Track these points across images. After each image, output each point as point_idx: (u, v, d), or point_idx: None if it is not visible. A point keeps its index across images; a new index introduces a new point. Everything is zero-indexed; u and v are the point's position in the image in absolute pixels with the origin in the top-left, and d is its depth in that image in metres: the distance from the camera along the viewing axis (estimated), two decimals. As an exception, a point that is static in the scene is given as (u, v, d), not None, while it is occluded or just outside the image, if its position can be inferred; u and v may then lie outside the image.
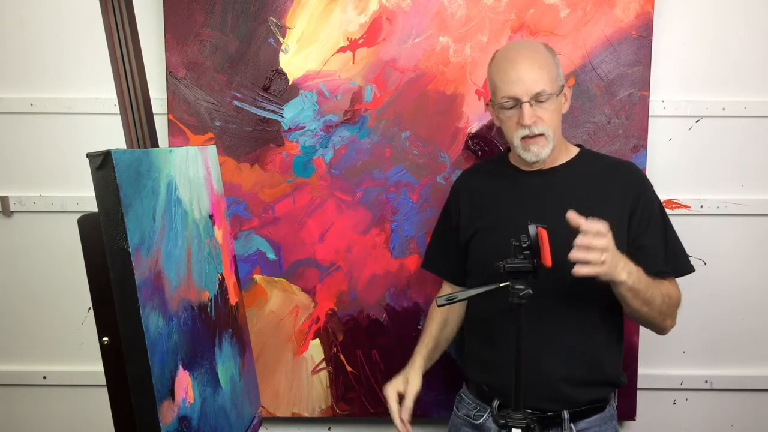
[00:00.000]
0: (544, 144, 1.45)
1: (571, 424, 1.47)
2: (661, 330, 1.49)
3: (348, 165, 1.83)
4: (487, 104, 1.56)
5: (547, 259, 1.24)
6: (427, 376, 1.87)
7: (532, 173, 1.53)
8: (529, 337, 1.41)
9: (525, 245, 1.27)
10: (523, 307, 1.27)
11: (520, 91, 1.42)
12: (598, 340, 1.49)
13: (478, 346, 1.59)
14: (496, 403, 1.53)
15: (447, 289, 1.69)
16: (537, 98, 1.42)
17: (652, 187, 1.54)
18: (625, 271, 1.31)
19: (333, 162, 1.83)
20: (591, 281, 1.32)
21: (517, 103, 1.43)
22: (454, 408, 1.67)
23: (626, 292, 1.34)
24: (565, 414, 1.47)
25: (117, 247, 0.88)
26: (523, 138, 1.45)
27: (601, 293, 1.39)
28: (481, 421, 1.57)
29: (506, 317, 1.45)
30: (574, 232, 1.31)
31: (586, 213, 1.36)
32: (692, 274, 1.53)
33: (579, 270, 1.27)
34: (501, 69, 1.47)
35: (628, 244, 1.45)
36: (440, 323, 1.66)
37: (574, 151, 1.57)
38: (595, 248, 1.26)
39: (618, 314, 1.51)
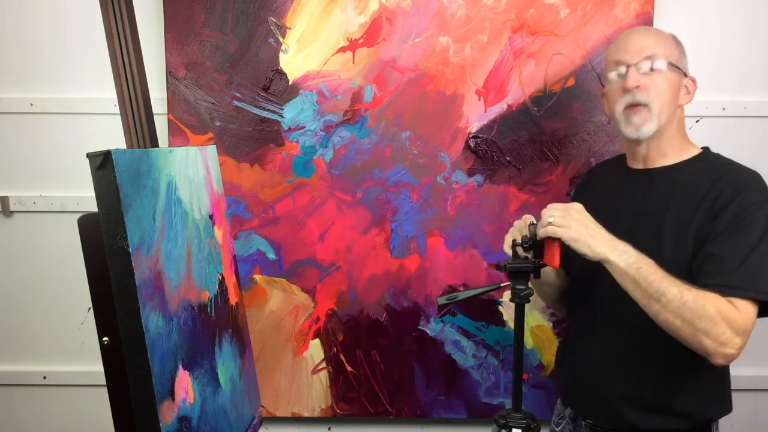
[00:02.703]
0: (646, 116, 1.35)
1: None
2: (702, 351, 1.23)
3: (348, 165, 1.83)
4: (602, 95, 1.52)
5: (553, 261, 1.25)
6: (427, 376, 1.88)
7: (636, 172, 1.44)
8: (596, 348, 1.42)
9: (527, 245, 1.27)
10: (524, 307, 1.27)
11: (628, 55, 1.36)
12: (672, 361, 1.33)
13: (559, 353, 1.57)
14: (569, 412, 1.49)
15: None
16: (644, 65, 1.35)
17: (761, 200, 1.29)
18: (614, 250, 1.22)
19: (333, 162, 1.83)
20: None
21: (623, 68, 1.37)
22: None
23: (622, 277, 1.23)
24: None
25: (117, 247, 0.88)
26: (626, 108, 1.36)
27: None
28: (559, 429, 1.52)
29: (582, 325, 1.46)
30: (657, 239, 1.30)
31: (673, 223, 1.33)
32: None
33: (545, 231, 1.25)
34: (616, 40, 1.44)
35: (695, 248, 1.30)
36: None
37: (693, 152, 1.42)
38: (545, 214, 1.26)
39: None
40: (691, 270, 1.29)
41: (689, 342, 1.23)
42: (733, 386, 1.91)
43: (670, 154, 1.41)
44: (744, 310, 1.22)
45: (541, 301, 1.75)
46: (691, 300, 1.20)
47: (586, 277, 1.35)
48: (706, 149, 1.45)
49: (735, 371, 1.90)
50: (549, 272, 1.47)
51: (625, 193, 1.44)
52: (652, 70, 1.35)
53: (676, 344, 1.26)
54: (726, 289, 1.23)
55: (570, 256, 1.31)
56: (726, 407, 1.39)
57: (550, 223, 1.24)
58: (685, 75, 1.41)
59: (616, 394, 1.37)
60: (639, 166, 1.45)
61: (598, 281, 1.36)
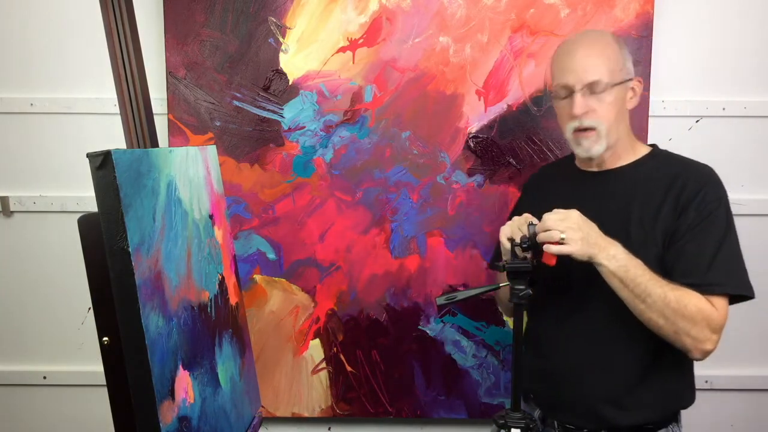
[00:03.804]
0: (595, 139, 1.38)
1: None
2: (682, 347, 1.30)
3: (348, 165, 1.83)
4: (551, 99, 1.55)
5: (551, 260, 1.25)
6: (427, 376, 1.88)
7: (592, 174, 1.47)
8: (573, 349, 1.42)
9: (525, 245, 1.27)
10: (523, 308, 1.27)
11: (572, 79, 1.37)
12: (647, 357, 1.37)
13: (528, 354, 1.54)
14: (537, 413, 1.48)
15: None
16: (591, 89, 1.36)
17: (720, 196, 1.36)
18: (605, 254, 1.27)
19: (333, 162, 1.83)
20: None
21: (570, 92, 1.38)
22: None
23: (610, 278, 1.28)
24: None
25: (117, 247, 0.88)
26: (575, 131, 1.39)
27: None
28: None
29: (555, 327, 1.45)
30: (625, 238, 1.31)
31: (638, 220, 1.36)
32: None
33: (548, 249, 1.25)
34: (559, 57, 1.43)
35: (665, 243, 1.35)
36: None
37: (644, 151, 1.46)
38: (555, 227, 1.25)
39: None
40: (663, 265, 1.33)
41: (671, 339, 1.30)
42: (733, 386, 1.93)
43: (624, 156, 1.45)
44: (720, 306, 1.30)
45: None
46: (674, 301, 1.27)
47: (558, 276, 1.35)
48: (655, 147, 1.48)
49: (736, 371, 1.92)
50: None
51: (583, 194, 1.45)
52: (598, 93, 1.36)
53: (650, 339, 1.33)
54: (703, 287, 1.29)
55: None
56: (692, 397, 1.44)
57: (562, 240, 1.25)
58: (630, 79, 1.42)
59: (596, 395, 1.38)
60: (594, 169, 1.47)
61: (572, 280, 1.36)
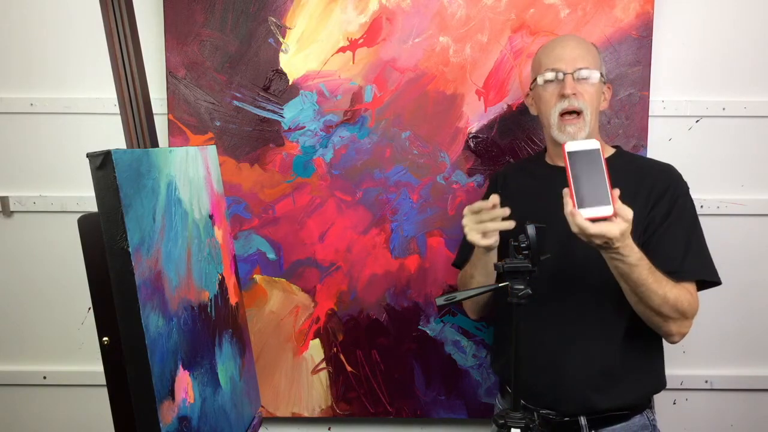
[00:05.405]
0: (581, 126, 1.45)
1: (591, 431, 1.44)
2: (665, 333, 1.41)
3: (348, 165, 1.83)
4: (526, 94, 1.61)
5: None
6: (427, 376, 1.88)
7: (563, 169, 1.49)
8: (551, 337, 1.45)
9: (524, 245, 1.27)
10: (522, 308, 1.27)
11: (564, 64, 1.46)
12: (625, 342, 1.44)
13: (503, 344, 1.57)
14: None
15: None
16: (580, 74, 1.45)
17: (686, 191, 1.49)
18: (629, 249, 1.28)
19: (333, 162, 1.83)
20: (613, 279, 1.34)
21: (560, 76, 1.46)
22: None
23: (623, 275, 1.31)
24: (582, 420, 1.44)
25: (117, 247, 0.88)
26: (562, 115, 1.45)
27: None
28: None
29: (531, 315, 1.45)
30: None
31: None
32: None
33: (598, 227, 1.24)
34: (548, 47, 1.52)
35: (642, 236, 1.41)
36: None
37: (610, 151, 1.56)
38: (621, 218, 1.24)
39: None
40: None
41: (658, 326, 1.40)
42: (733, 386, 1.93)
43: None
44: (695, 293, 1.41)
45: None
46: (673, 298, 1.35)
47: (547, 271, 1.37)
48: (619, 148, 1.60)
49: (736, 371, 1.92)
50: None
51: (555, 188, 1.43)
52: (586, 79, 1.46)
53: (625, 323, 1.43)
54: (680, 274, 1.39)
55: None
56: (664, 381, 1.52)
57: (617, 247, 1.25)
58: (605, 82, 1.53)
59: (574, 379, 1.43)
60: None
61: (548, 267, 1.36)
